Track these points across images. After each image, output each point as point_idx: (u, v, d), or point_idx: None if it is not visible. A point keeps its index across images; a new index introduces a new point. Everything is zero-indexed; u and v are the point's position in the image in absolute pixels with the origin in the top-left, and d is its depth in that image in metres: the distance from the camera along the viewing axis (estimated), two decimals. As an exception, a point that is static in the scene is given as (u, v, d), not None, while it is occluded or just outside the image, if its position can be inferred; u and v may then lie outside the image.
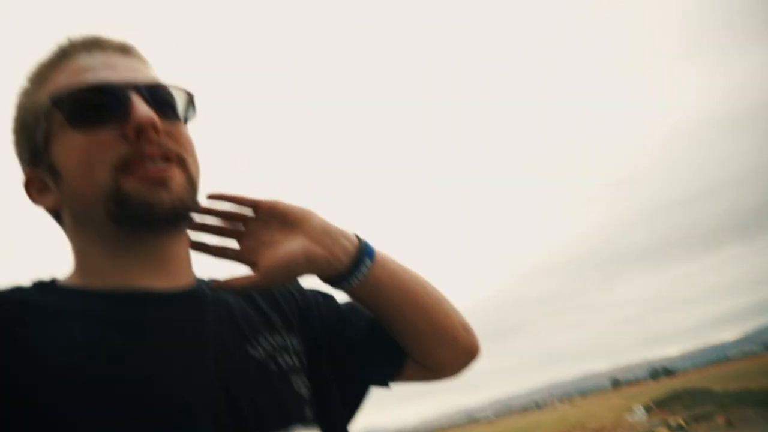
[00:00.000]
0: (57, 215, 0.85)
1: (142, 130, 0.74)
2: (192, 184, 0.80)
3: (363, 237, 0.90)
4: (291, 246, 0.84)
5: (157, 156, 0.76)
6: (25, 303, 0.74)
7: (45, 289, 0.79)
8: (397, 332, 0.96)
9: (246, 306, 0.89)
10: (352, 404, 1.00)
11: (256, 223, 0.86)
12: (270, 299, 0.93)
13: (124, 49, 0.83)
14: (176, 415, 0.69)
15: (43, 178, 0.82)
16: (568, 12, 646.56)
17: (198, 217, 0.84)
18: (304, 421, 0.81)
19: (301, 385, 0.84)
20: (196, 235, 0.86)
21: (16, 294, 0.76)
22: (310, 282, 0.95)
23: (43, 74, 0.82)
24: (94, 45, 0.82)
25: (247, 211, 0.86)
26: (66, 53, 0.81)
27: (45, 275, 0.83)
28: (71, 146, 0.77)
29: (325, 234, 0.86)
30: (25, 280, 0.81)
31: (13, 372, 0.66)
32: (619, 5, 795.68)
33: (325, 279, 0.88)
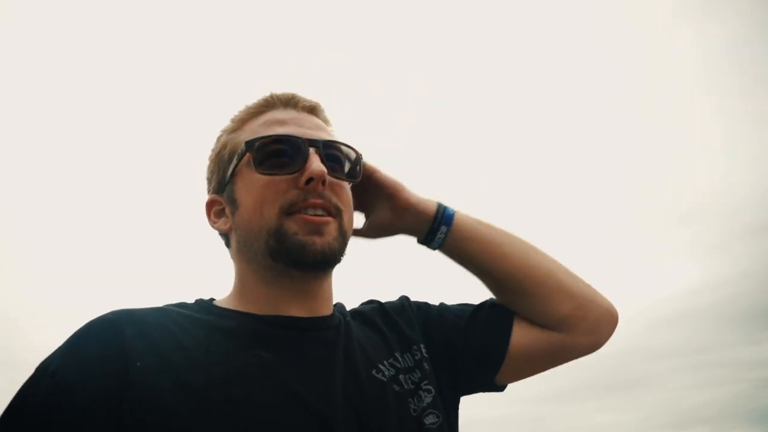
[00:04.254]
0: (226, 238, 0.99)
1: (312, 181, 0.86)
2: (343, 237, 0.91)
3: (443, 205, 1.07)
4: (381, 216, 1.07)
5: (319, 206, 0.88)
6: (189, 318, 0.87)
7: (203, 307, 0.93)
8: (493, 284, 1.09)
9: (370, 332, 1.01)
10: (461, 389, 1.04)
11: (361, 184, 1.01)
12: (388, 320, 1.05)
13: (312, 109, 0.99)
14: (313, 425, 0.78)
15: (222, 204, 0.97)
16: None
17: None
18: None
19: (415, 407, 0.92)
20: None
21: (182, 309, 0.90)
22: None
23: (244, 120, 0.99)
24: (289, 102, 0.97)
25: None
26: (266, 105, 0.98)
27: (205, 295, 0.98)
28: (252, 184, 0.90)
29: (407, 211, 1.05)
30: (189, 298, 0.96)
31: (163, 379, 0.74)
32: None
33: (416, 240, 1.09)
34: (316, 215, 0.87)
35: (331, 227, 0.88)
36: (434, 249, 1.08)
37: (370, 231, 1.08)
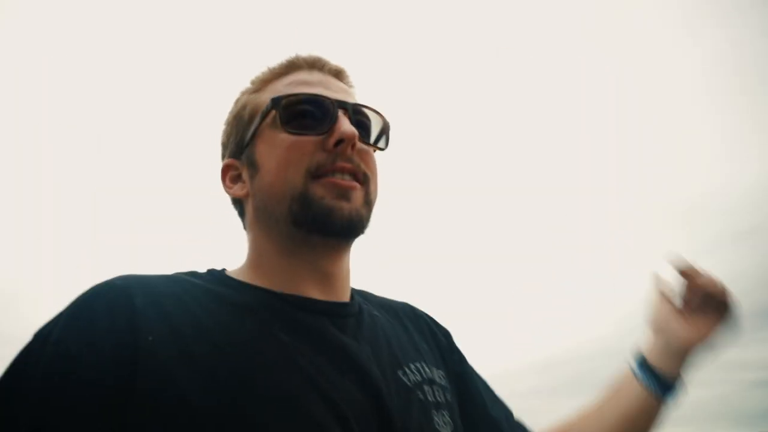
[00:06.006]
0: (240, 206, 0.92)
1: (342, 143, 0.82)
2: (369, 206, 0.85)
3: None
4: (698, 332, 1.05)
5: (347, 171, 0.82)
6: (202, 289, 0.79)
7: (217, 277, 0.85)
8: None
9: (399, 330, 0.94)
10: None
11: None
12: (421, 330, 0.98)
13: (338, 73, 0.93)
14: (329, 421, 0.70)
15: (239, 169, 0.90)
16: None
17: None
18: None
19: (440, 422, 0.84)
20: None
21: (194, 278, 0.82)
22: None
23: (267, 80, 0.93)
24: (315, 64, 0.92)
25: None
26: (291, 67, 0.92)
27: (217, 264, 0.90)
28: (276, 144, 0.84)
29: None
30: (200, 267, 0.88)
31: (170, 351, 0.67)
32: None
33: (664, 379, 1.05)
34: (343, 179, 0.82)
35: (358, 194, 0.83)
36: (667, 398, 1.04)
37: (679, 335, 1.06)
